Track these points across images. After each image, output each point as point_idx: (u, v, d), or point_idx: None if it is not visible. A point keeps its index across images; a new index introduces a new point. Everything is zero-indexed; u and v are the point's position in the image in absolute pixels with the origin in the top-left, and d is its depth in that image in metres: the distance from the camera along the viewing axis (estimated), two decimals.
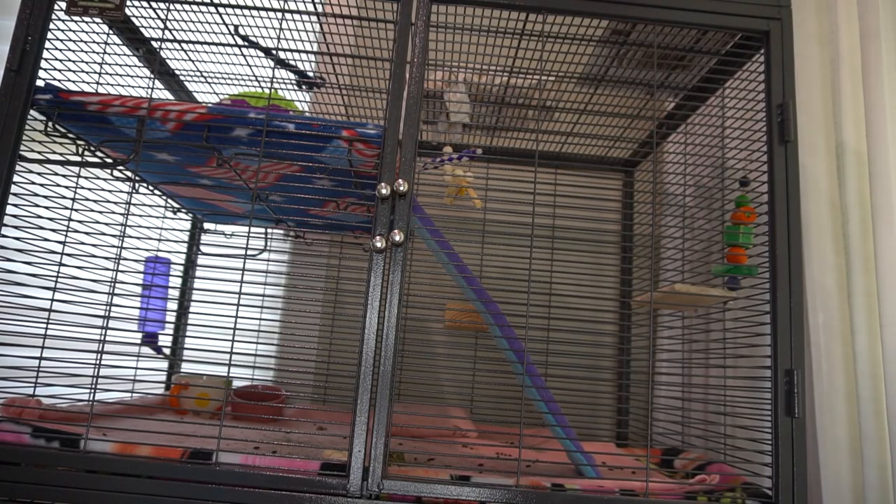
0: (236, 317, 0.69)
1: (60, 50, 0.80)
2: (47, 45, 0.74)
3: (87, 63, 0.85)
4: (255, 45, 0.98)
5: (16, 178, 0.72)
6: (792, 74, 0.80)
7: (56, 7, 0.75)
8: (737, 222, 0.89)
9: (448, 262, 0.81)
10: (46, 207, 0.80)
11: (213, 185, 1.02)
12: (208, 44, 0.91)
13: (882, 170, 0.88)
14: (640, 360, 1.40)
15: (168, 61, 1.08)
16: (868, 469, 0.77)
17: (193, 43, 0.90)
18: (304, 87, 1.12)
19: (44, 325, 0.69)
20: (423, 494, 0.65)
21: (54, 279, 0.72)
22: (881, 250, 0.84)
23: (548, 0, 0.82)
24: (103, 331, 0.70)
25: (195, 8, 0.90)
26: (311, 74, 1.10)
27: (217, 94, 1.17)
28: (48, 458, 0.65)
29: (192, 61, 1.06)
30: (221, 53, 1.02)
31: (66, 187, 0.79)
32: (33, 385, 0.69)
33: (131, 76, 0.97)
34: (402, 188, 0.68)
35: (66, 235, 0.75)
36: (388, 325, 0.68)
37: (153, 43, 0.99)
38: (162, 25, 0.86)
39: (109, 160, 0.90)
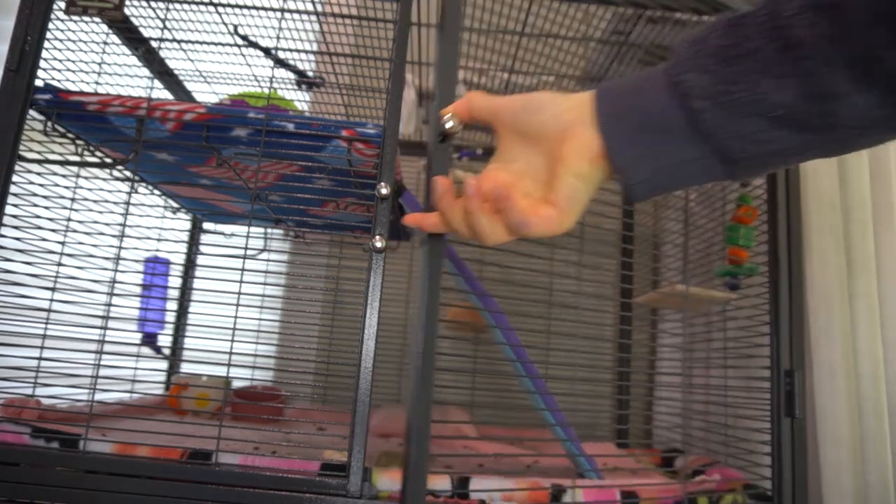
0: (236, 317, 0.69)
1: (60, 50, 0.80)
2: (46, 44, 0.74)
3: (86, 63, 0.85)
4: (255, 45, 0.98)
5: (15, 178, 0.71)
6: None
7: (55, 7, 0.75)
8: (737, 222, 0.89)
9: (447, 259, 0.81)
10: (46, 207, 0.80)
11: (212, 185, 1.02)
12: (208, 43, 0.91)
13: (882, 169, 0.88)
14: (640, 360, 1.40)
15: (167, 61, 1.08)
16: (869, 469, 0.76)
17: (193, 43, 0.90)
18: (303, 86, 1.12)
19: (43, 326, 0.69)
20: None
21: (53, 279, 0.72)
22: (881, 250, 0.84)
23: None
24: (103, 331, 0.70)
25: (195, 8, 0.90)
26: (310, 74, 1.10)
27: (216, 93, 1.17)
28: (48, 459, 0.65)
29: (192, 61, 1.05)
30: (221, 53, 1.02)
31: (66, 187, 0.79)
32: (33, 385, 0.69)
33: (131, 76, 0.97)
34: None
35: (65, 235, 0.75)
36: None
37: (152, 43, 0.99)
38: (161, 25, 0.86)
39: (109, 160, 0.90)
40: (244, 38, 0.96)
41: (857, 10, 0.29)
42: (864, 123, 0.32)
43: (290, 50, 0.92)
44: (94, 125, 0.80)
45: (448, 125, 0.49)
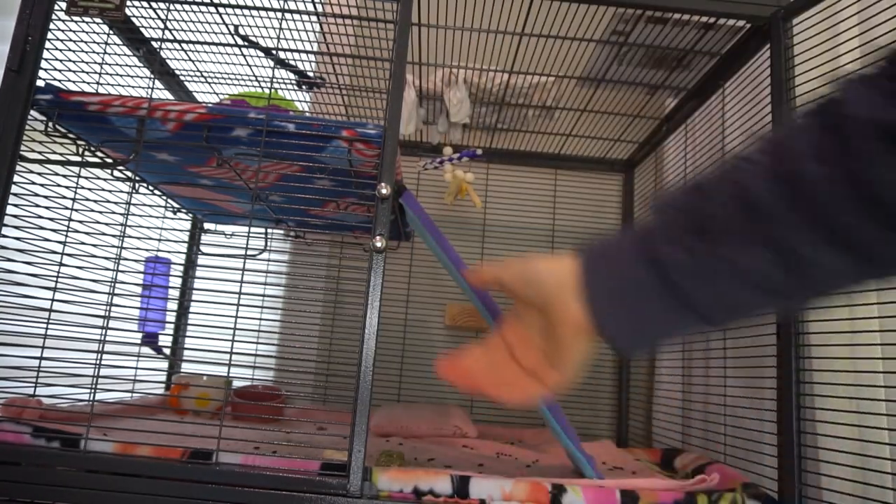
0: (236, 317, 0.69)
1: (61, 50, 0.80)
2: (47, 45, 0.74)
3: (87, 63, 0.85)
4: (255, 45, 0.98)
5: (16, 179, 0.72)
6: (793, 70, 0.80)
7: (56, 7, 0.75)
8: None
9: (439, 250, 0.81)
10: (47, 207, 0.80)
11: (213, 185, 1.02)
12: (208, 44, 0.91)
13: None
14: (640, 360, 1.40)
15: (168, 61, 1.09)
16: (869, 470, 0.77)
17: (193, 43, 0.90)
18: (304, 87, 1.12)
19: (44, 325, 0.69)
20: (423, 494, 0.65)
21: (54, 279, 0.72)
22: None
23: None
24: (103, 331, 0.70)
25: (195, 8, 0.90)
26: (311, 74, 1.10)
27: (217, 94, 1.17)
28: (48, 458, 0.65)
29: (192, 61, 1.06)
30: (221, 53, 1.02)
31: (67, 187, 0.79)
32: (34, 385, 0.69)
33: (131, 76, 0.97)
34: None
35: (66, 235, 0.75)
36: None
37: (153, 43, 0.99)
38: (162, 25, 0.86)
39: (109, 160, 0.90)
40: (244, 38, 0.97)
41: (821, 191, 0.30)
42: (836, 282, 0.34)
43: (291, 50, 0.93)
44: (94, 125, 0.80)
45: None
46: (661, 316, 0.39)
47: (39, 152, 0.78)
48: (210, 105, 0.77)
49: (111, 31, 0.91)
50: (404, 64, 0.75)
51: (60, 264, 0.73)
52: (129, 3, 0.76)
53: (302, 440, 0.90)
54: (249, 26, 0.96)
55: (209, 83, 1.14)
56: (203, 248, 1.37)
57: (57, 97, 0.74)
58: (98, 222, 0.83)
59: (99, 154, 0.91)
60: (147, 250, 1.16)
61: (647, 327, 0.40)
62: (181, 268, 1.35)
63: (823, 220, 0.30)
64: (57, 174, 0.80)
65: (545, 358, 0.43)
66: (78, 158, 0.85)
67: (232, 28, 0.94)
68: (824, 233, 0.31)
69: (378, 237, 0.68)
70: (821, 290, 0.34)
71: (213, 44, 0.92)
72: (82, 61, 0.84)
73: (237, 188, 1.02)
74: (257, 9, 0.86)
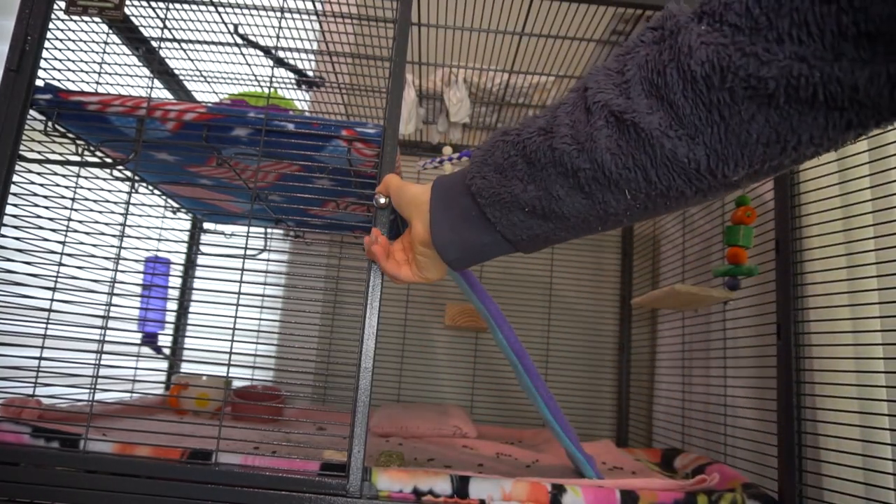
0: (236, 317, 0.69)
1: (60, 50, 0.80)
2: (47, 44, 0.74)
3: (86, 63, 0.85)
4: (255, 45, 0.98)
5: (15, 178, 0.71)
6: None
7: (55, 7, 0.75)
8: (737, 222, 0.89)
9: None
10: (46, 207, 0.80)
11: (212, 184, 1.02)
12: (208, 43, 0.91)
13: (883, 167, 0.88)
14: (640, 360, 1.40)
15: (168, 61, 1.08)
16: (870, 470, 0.76)
17: (193, 42, 0.90)
18: (303, 86, 1.12)
19: (44, 325, 0.69)
20: (423, 494, 0.65)
21: (54, 279, 0.72)
22: (884, 249, 0.84)
23: None
24: (103, 331, 0.70)
25: (195, 7, 0.90)
26: (310, 74, 1.10)
27: (217, 93, 1.17)
28: (48, 458, 0.65)
29: (192, 61, 1.05)
30: (221, 53, 1.02)
31: (66, 187, 0.79)
32: (33, 385, 0.69)
33: (131, 76, 0.97)
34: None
35: (65, 235, 0.75)
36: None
37: (153, 42, 0.99)
38: (161, 25, 0.86)
39: (109, 160, 0.90)
40: (244, 37, 0.96)
41: (563, 136, 0.41)
42: (581, 215, 0.44)
43: (291, 49, 0.92)
44: (94, 125, 0.80)
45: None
46: (480, 234, 0.50)
47: (39, 152, 0.77)
48: (209, 105, 0.77)
49: (110, 31, 0.91)
50: (404, 63, 0.75)
51: (60, 264, 0.73)
52: (128, 2, 0.76)
53: (301, 440, 0.90)
54: (249, 25, 0.96)
55: (209, 83, 1.13)
56: (203, 248, 1.36)
57: (56, 97, 0.74)
58: (97, 222, 0.83)
59: (98, 154, 0.91)
60: (147, 250, 1.16)
61: (468, 244, 0.51)
62: (181, 268, 1.35)
63: (567, 169, 0.41)
64: (56, 174, 0.80)
65: (410, 258, 0.58)
66: (77, 158, 0.85)
67: (231, 27, 0.94)
68: (568, 178, 0.42)
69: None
70: (574, 220, 0.44)
71: (213, 43, 0.92)
72: (81, 61, 0.84)
73: (237, 188, 1.02)
74: (257, 8, 0.85)
